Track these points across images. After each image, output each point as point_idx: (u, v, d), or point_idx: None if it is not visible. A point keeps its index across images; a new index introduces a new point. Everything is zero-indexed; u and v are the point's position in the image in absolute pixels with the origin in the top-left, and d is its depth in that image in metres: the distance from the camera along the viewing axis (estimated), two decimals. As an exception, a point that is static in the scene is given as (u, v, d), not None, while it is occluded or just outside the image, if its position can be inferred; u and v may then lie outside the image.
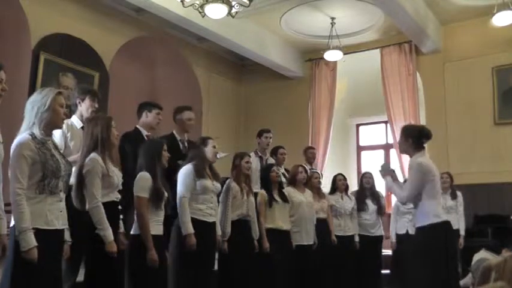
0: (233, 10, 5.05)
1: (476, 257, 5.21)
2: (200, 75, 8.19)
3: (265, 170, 5.07)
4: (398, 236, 5.84)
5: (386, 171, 3.94)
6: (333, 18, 7.32)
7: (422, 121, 7.42)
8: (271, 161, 5.74)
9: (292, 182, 5.31)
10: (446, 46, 7.49)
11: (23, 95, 5.29)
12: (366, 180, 6.08)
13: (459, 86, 7.33)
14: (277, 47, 8.11)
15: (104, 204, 2.99)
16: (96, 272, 3.03)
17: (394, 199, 6.23)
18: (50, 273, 2.52)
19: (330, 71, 8.34)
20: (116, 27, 6.76)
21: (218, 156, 4.20)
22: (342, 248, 5.61)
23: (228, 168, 4.73)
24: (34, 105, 2.59)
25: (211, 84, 8.50)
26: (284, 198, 4.95)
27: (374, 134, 8.90)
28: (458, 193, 5.96)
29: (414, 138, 3.72)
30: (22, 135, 2.53)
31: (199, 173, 3.88)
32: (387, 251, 6.23)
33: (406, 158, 7.34)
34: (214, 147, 4.06)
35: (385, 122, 8.25)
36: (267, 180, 4.94)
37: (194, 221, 3.80)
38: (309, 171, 5.74)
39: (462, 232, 5.84)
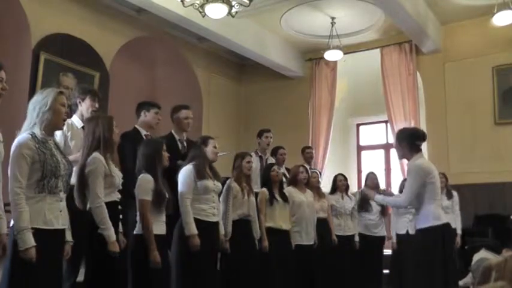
0: (233, 10, 5.05)
1: (477, 256, 5.20)
2: (200, 75, 8.19)
3: (266, 169, 5.08)
4: (398, 236, 5.83)
5: (369, 193, 3.95)
6: (333, 18, 7.32)
7: (423, 121, 7.42)
8: (271, 160, 5.74)
9: (293, 182, 5.31)
10: (447, 46, 7.49)
11: (23, 95, 5.30)
12: (370, 180, 6.09)
13: (459, 85, 7.32)
14: (277, 47, 8.11)
15: (106, 204, 2.99)
16: (96, 272, 3.03)
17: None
18: (49, 273, 2.52)
19: (330, 70, 8.34)
20: (116, 27, 6.76)
21: (218, 155, 4.21)
22: (342, 248, 5.61)
23: (228, 168, 4.73)
24: (35, 106, 2.60)
25: (211, 84, 8.50)
26: (284, 198, 4.96)
27: (374, 133, 8.89)
28: (454, 193, 5.96)
29: (408, 141, 3.71)
30: (22, 135, 2.54)
31: (200, 174, 3.88)
32: (388, 251, 6.23)
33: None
34: (215, 147, 4.05)
35: (385, 122, 8.25)
36: (268, 179, 4.94)
37: (197, 221, 3.80)
38: (309, 171, 5.74)
39: (459, 231, 5.84)
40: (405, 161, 7.20)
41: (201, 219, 3.85)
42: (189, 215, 3.77)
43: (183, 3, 5.00)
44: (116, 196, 3.14)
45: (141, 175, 3.36)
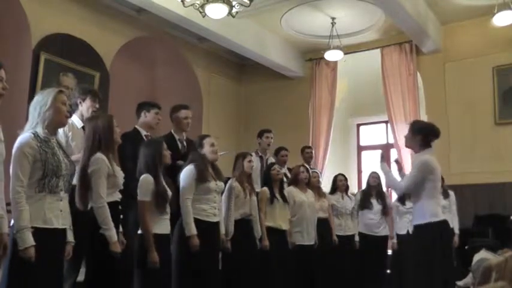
0: (233, 10, 5.05)
1: (477, 257, 5.20)
2: (200, 75, 8.19)
3: (267, 169, 5.09)
4: (399, 236, 5.83)
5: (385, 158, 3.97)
6: (333, 18, 7.32)
7: (423, 121, 7.41)
8: (272, 161, 5.74)
9: (294, 181, 5.32)
10: (447, 46, 7.49)
11: (24, 95, 5.31)
12: (372, 179, 6.09)
13: (459, 85, 7.32)
14: (277, 47, 8.11)
15: (108, 204, 2.99)
16: (97, 272, 3.03)
17: (394, 199, 6.21)
18: (48, 272, 2.52)
19: (330, 70, 8.33)
20: (116, 27, 6.76)
21: (220, 154, 4.21)
22: (343, 248, 5.61)
23: (229, 167, 4.73)
24: (36, 106, 2.61)
25: (211, 84, 8.50)
26: (284, 198, 4.96)
27: (374, 133, 8.89)
28: (451, 192, 5.95)
29: (423, 135, 3.70)
30: (24, 134, 2.55)
31: (201, 175, 3.88)
32: (389, 251, 6.23)
33: (406, 158, 7.36)
34: (212, 145, 4.04)
35: (386, 122, 8.24)
36: (269, 178, 4.95)
37: (198, 221, 3.80)
38: (310, 171, 5.75)
39: (456, 231, 5.83)
40: (406, 161, 7.29)
41: (202, 220, 3.85)
42: (189, 215, 3.77)
43: (183, 3, 5.00)
44: (118, 196, 3.15)
45: (142, 176, 3.39)
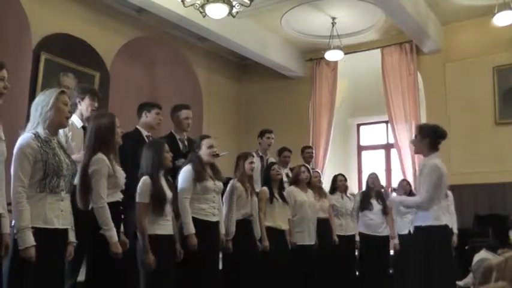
0: (234, 10, 5.05)
1: (477, 257, 5.21)
2: (201, 75, 8.18)
3: (267, 168, 5.09)
4: (400, 236, 5.83)
5: (387, 197, 3.95)
6: (333, 18, 7.32)
7: (423, 121, 7.39)
8: (272, 161, 5.73)
9: (295, 181, 5.32)
10: (447, 46, 7.49)
11: (24, 94, 5.31)
12: (371, 180, 6.09)
13: (460, 85, 7.32)
14: (277, 47, 8.11)
15: (108, 204, 2.99)
16: (97, 272, 3.03)
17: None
18: (49, 272, 2.52)
19: (330, 70, 8.33)
20: (116, 27, 6.76)
21: (221, 154, 4.22)
22: (343, 248, 5.61)
23: (229, 167, 4.73)
24: (38, 106, 2.61)
25: (211, 84, 8.49)
26: (283, 198, 4.96)
27: (375, 133, 8.89)
28: (449, 192, 5.95)
29: (431, 137, 3.71)
30: (25, 134, 2.55)
31: (199, 175, 3.89)
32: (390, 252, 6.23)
33: (406, 158, 7.37)
34: (210, 146, 4.04)
35: (386, 122, 8.24)
36: (268, 178, 4.95)
37: (197, 221, 3.82)
38: (311, 171, 5.75)
39: (455, 230, 5.82)
40: (406, 161, 7.30)
41: (201, 219, 3.86)
42: (187, 214, 3.78)
43: (183, 3, 5.00)
44: (119, 196, 3.15)
45: (142, 178, 3.42)
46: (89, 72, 6.29)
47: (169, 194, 3.46)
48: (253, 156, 4.77)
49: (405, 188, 6.01)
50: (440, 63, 7.53)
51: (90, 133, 3.14)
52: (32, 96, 5.40)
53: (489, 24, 6.46)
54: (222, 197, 4.28)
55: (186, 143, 4.54)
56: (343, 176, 6.12)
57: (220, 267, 4.40)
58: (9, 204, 2.53)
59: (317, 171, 6.00)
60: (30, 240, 2.40)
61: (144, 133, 4.35)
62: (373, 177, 6.11)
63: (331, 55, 7.44)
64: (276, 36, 8.01)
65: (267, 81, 8.81)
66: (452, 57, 7.44)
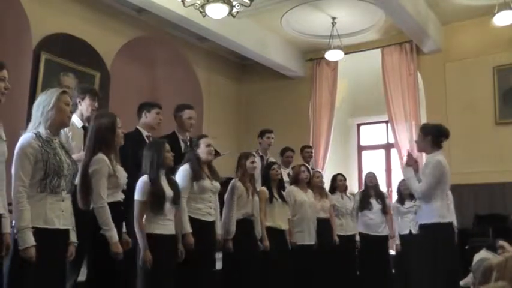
0: (234, 10, 5.05)
1: (477, 256, 5.19)
2: (201, 75, 8.19)
3: (267, 168, 5.09)
4: (401, 236, 5.83)
5: (411, 161, 3.95)
6: (333, 18, 7.32)
7: (423, 121, 7.39)
8: (272, 160, 5.74)
9: (295, 181, 5.33)
10: (447, 46, 7.49)
11: (24, 94, 5.31)
12: (369, 179, 6.10)
13: (460, 85, 7.32)
14: (278, 47, 8.11)
15: (109, 204, 2.99)
16: (98, 272, 3.03)
17: (395, 199, 6.22)
18: (49, 273, 2.52)
19: (330, 70, 8.34)
20: (116, 27, 6.76)
21: (222, 154, 4.22)
22: (344, 248, 5.61)
23: (229, 167, 4.73)
24: (40, 106, 2.62)
25: (211, 84, 8.50)
26: (283, 198, 4.96)
27: (375, 133, 8.89)
28: (448, 192, 5.95)
29: (433, 136, 3.75)
30: (26, 134, 2.55)
31: (196, 175, 3.90)
32: (390, 251, 6.23)
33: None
34: (208, 145, 4.04)
35: (386, 122, 8.24)
36: (268, 177, 4.95)
37: (193, 220, 3.82)
38: (311, 170, 5.75)
39: (455, 230, 5.83)
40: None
41: (197, 218, 3.87)
42: (184, 213, 3.78)
43: (183, 3, 5.00)
44: (120, 196, 3.15)
45: (141, 177, 3.42)
46: (89, 72, 6.29)
47: (169, 192, 3.46)
48: (254, 156, 4.77)
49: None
50: (440, 63, 7.53)
51: (90, 133, 3.15)
52: (32, 96, 5.41)
53: (489, 24, 6.46)
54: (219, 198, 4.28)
55: (188, 143, 4.54)
56: (343, 175, 6.12)
57: (221, 267, 4.41)
58: (9, 204, 2.53)
59: (319, 172, 6.01)
60: (30, 240, 2.40)
61: (145, 133, 4.35)
62: (371, 176, 6.12)
63: (331, 55, 7.44)
64: (276, 36, 8.01)
65: (267, 81, 8.81)
66: (453, 57, 7.44)
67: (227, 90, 8.91)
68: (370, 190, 6.06)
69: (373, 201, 5.96)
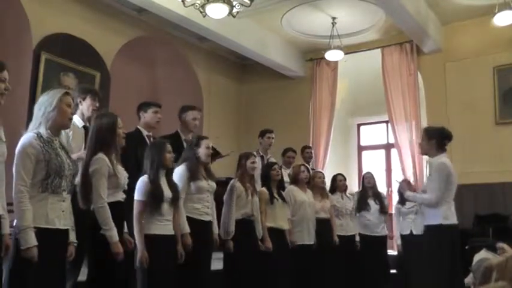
0: (234, 10, 5.05)
1: (477, 257, 5.19)
2: (201, 75, 8.19)
3: (267, 168, 5.08)
4: (402, 236, 5.83)
5: (405, 187, 3.97)
6: (334, 18, 7.32)
7: (423, 121, 7.41)
8: (272, 160, 5.74)
9: (295, 181, 5.33)
10: (447, 46, 7.48)
11: (24, 95, 5.32)
12: (367, 180, 6.10)
13: (460, 85, 7.32)
14: (278, 47, 8.11)
15: (110, 204, 2.99)
16: (98, 272, 3.03)
17: (395, 199, 6.22)
18: (50, 272, 2.52)
19: (331, 70, 8.34)
20: (117, 27, 6.76)
21: (224, 155, 4.21)
22: (344, 248, 5.61)
23: (229, 167, 4.73)
24: (41, 106, 2.62)
25: (212, 84, 8.50)
26: (283, 198, 4.96)
27: (375, 133, 8.90)
28: None
29: (437, 138, 3.76)
30: (27, 134, 2.55)
31: (193, 175, 3.88)
32: (390, 251, 6.23)
33: (407, 158, 7.37)
34: (208, 147, 4.02)
35: (386, 122, 8.24)
36: (268, 177, 4.95)
37: (191, 220, 3.81)
38: (311, 170, 5.75)
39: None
40: (407, 162, 7.29)
41: (194, 218, 3.86)
42: (181, 214, 3.77)
43: (183, 3, 5.00)
44: (121, 196, 3.15)
45: (141, 177, 3.43)
46: (89, 72, 6.29)
47: (167, 193, 3.45)
48: (255, 156, 4.77)
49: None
50: (440, 63, 7.53)
51: (91, 133, 3.15)
52: (33, 96, 5.41)
53: (489, 24, 6.46)
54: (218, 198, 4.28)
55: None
56: (343, 175, 6.12)
57: (221, 267, 4.41)
58: (9, 204, 2.53)
59: (321, 172, 6.00)
60: (32, 240, 2.40)
61: (145, 133, 4.36)
62: (369, 177, 6.12)
63: (331, 55, 7.44)
64: (276, 36, 8.01)
65: (267, 81, 8.81)
66: (453, 57, 7.44)
67: (227, 90, 8.91)
68: (368, 191, 6.06)
69: (371, 201, 5.96)
